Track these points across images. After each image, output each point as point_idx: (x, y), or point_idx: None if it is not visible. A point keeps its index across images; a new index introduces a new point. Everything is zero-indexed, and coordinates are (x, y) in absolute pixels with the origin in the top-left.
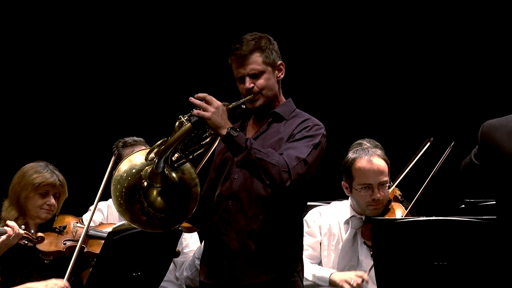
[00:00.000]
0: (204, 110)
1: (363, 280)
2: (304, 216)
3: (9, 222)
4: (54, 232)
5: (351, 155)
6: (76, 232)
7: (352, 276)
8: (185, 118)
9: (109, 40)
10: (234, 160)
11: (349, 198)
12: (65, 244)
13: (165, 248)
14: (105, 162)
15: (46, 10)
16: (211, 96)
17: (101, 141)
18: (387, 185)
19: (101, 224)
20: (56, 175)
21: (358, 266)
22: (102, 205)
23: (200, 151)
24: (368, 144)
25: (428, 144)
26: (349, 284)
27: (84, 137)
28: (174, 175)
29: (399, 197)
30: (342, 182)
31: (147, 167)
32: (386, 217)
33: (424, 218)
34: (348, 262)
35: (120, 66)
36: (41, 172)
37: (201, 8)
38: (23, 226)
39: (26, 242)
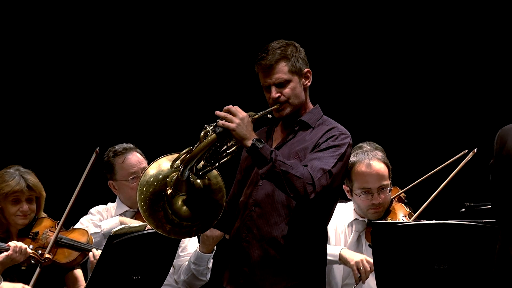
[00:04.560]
0: (229, 121)
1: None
2: (327, 224)
3: (16, 242)
4: (29, 238)
5: (351, 158)
6: (46, 239)
7: (363, 259)
8: (210, 128)
9: (98, 41)
10: (259, 172)
11: (352, 204)
12: (37, 251)
13: (166, 251)
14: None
15: (40, 12)
16: (237, 107)
17: (85, 142)
18: (387, 188)
19: (72, 229)
20: (24, 179)
21: None
22: (101, 208)
23: (226, 159)
24: (369, 147)
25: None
26: (358, 270)
27: (69, 139)
28: (199, 181)
29: (403, 198)
30: (344, 185)
31: (173, 174)
32: (389, 218)
33: (424, 221)
34: None
35: (108, 68)
36: (7, 180)
37: (202, 10)
38: (31, 246)
39: (33, 262)
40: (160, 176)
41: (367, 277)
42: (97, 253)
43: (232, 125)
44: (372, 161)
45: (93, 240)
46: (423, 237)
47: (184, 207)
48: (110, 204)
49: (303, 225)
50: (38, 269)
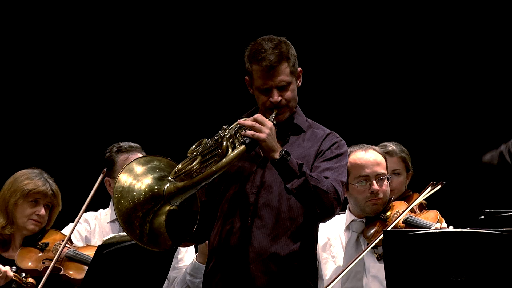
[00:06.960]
0: (258, 131)
1: None
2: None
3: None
4: (36, 249)
5: None
6: (57, 252)
7: None
8: (237, 139)
9: (105, 43)
10: (287, 186)
11: (347, 206)
12: (44, 263)
13: (160, 262)
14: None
15: (40, 11)
16: (263, 116)
17: (96, 151)
18: (386, 177)
19: (87, 246)
20: (49, 184)
21: (366, 270)
22: (89, 215)
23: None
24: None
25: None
26: None
27: (79, 146)
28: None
29: (424, 205)
30: None
31: (167, 182)
32: (388, 212)
33: (440, 230)
34: (354, 267)
35: (116, 71)
36: (33, 179)
37: (205, 12)
38: (14, 268)
39: (14, 286)
40: (143, 187)
41: None
42: None
43: (262, 136)
44: (366, 151)
45: None
46: (439, 246)
47: (163, 217)
48: (101, 210)
49: (303, 238)
50: (42, 281)
